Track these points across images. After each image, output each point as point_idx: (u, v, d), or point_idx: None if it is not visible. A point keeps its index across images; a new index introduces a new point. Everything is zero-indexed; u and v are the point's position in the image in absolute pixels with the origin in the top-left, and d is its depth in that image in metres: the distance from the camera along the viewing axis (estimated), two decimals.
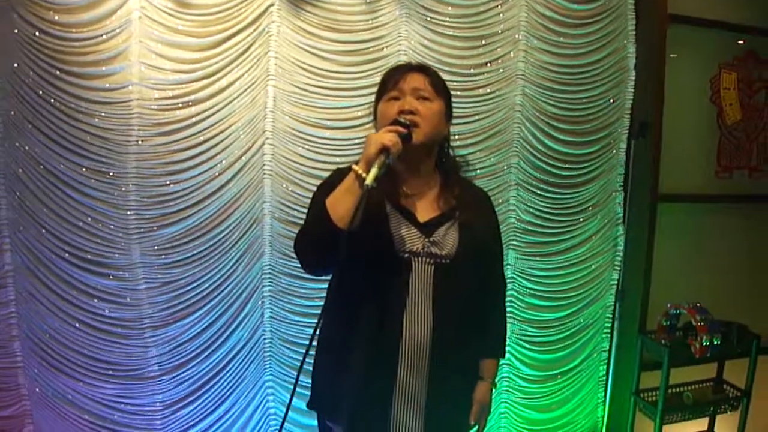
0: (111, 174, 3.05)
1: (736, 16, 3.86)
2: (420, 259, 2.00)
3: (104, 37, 2.98)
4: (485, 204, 2.26)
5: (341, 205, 1.82)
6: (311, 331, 3.27)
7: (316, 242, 1.89)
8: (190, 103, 3.12)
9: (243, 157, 3.23)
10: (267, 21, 3.21)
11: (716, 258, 3.99)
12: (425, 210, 2.06)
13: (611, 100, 3.73)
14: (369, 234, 1.90)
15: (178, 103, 3.10)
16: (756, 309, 4.06)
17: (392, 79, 2.06)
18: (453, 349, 2.02)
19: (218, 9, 3.12)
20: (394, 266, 1.98)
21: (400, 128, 1.90)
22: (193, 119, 3.13)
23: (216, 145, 3.18)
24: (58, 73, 2.93)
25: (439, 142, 2.11)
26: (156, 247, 3.16)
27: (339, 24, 3.29)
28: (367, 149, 1.81)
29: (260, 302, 3.37)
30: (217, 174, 3.20)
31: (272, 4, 3.21)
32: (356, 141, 3.33)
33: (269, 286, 3.37)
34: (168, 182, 3.14)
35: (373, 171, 1.78)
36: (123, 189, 3.07)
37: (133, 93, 3.03)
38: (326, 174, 3.17)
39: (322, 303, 3.24)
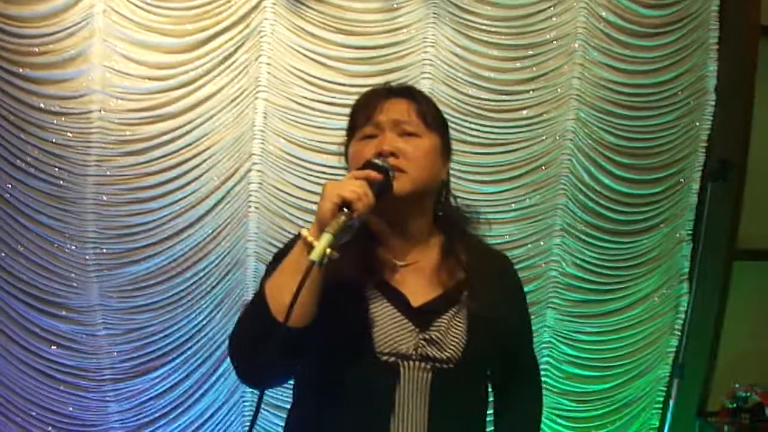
0: (67, 199, 2.64)
1: None
2: (412, 363, 1.43)
3: (60, 34, 2.59)
4: (505, 276, 1.66)
5: (284, 290, 1.28)
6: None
7: (250, 341, 1.35)
8: (163, 118, 2.67)
9: (224, 185, 2.75)
10: (259, 18, 2.74)
11: None
12: (420, 288, 1.50)
13: (685, 130, 3.06)
14: (338, 327, 1.38)
15: (147, 117, 2.66)
16: None
17: (365, 110, 1.52)
18: None
19: (199, 2, 2.70)
20: (373, 374, 1.43)
21: (372, 173, 1.35)
22: (165, 137, 2.68)
23: (192, 169, 2.71)
24: (6, 76, 2.53)
25: (434, 190, 1.57)
26: (117, 289, 2.73)
27: (348, 24, 2.77)
28: (320, 205, 1.31)
29: None
30: (192, 204, 2.73)
31: None
32: None
33: None
34: (133, 212, 2.69)
35: (323, 240, 1.24)
36: (80, 218, 2.66)
37: (93, 103, 2.61)
38: None
39: None
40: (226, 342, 2.71)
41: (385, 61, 2.77)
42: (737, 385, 3.06)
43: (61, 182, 2.63)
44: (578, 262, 3.10)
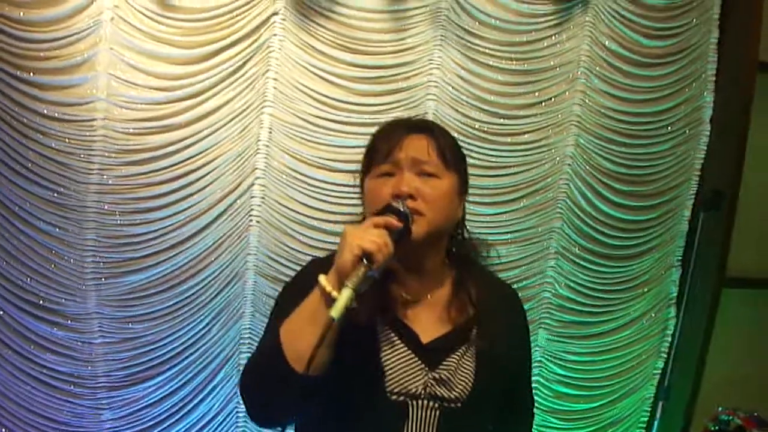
0: (67, 206, 2.55)
1: None
2: (420, 402, 1.41)
3: (66, 40, 2.48)
4: (512, 312, 1.63)
5: (300, 339, 1.25)
6: None
7: (264, 386, 1.32)
8: (167, 129, 2.59)
9: (227, 199, 2.69)
10: (268, 33, 2.66)
11: None
12: (430, 324, 1.47)
13: (680, 159, 3.09)
14: (350, 367, 1.35)
15: (152, 128, 2.58)
16: None
17: (384, 146, 1.46)
18: None
19: (209, 15, 2.59)
20: (383, 414, 1.40)
21: (392, 221, 1.32)
22: (170, 148, 2.60)
23: (195, 181, 2.65)
24: (9, 80, 2.43)
25: (451, 229, 1.53)
26: (115, 297, 2.65)
27: (357, 43, 2.70)
28: (340, 254, 1.27)
29: (237, 369, 2.82)
30: (194, 216, 2.66)
31: (276, 13, 2.64)
32: None
33: (248, 352, 2.79)
34: (134, 222, 2.62)
35: (344, 296, 1.21)
36: (80, 226, 2.57)
37: (98, 111, 2.52)
38: (328, 226, 2.70)
39: None
40: (221, 355, 2.75)
41: (392, 81, 2.73)
42: (720, 409, 3.03)
43: (62, 189, 2.53)
44: (571, 284, 3.10)
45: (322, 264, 1.45)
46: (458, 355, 1.43)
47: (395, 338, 1.42)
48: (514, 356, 1.57)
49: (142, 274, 2.64)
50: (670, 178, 3.10)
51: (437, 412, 1.41)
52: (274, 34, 2.62)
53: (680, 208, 3.14)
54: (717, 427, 3.03)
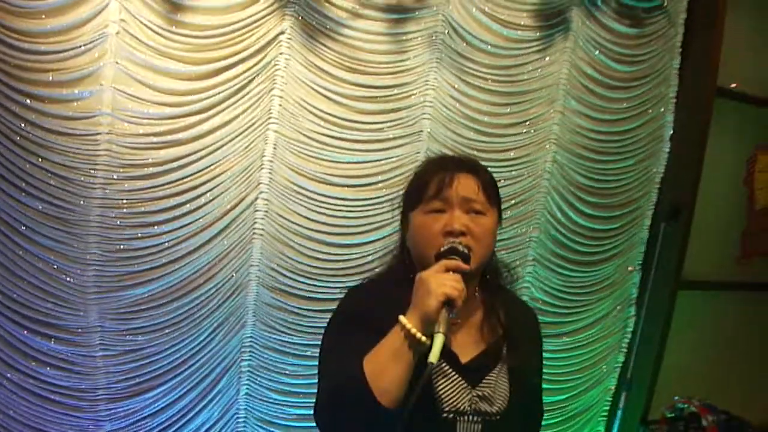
0: (70, 221, 2.44)
1: None
2: (467, 417, 1.52)
3: (71, 52, 2.36)
4: (534, 330, 1.77)
5: (385, 375, 1.34)
6: (291, 411, 2.82)
7: (350, 419, 1.39)
8: (172, 144, 2.52)
9: (231, 212, 2.65)
10: (275, 52, 2.62)
11: (732, 348, 3.66)
12: (467, 345, 1.58)
13: (642, 173, 3.31)
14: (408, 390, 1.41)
15: (157, 143, 2.50)
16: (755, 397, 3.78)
17: (435, 182, 1.53)
18: None
19: (217, 32, 2.52)
20: (435, 430, 1.50)
21: (462, 264, 1.41)
22: (174, 164, 2.54)
23: (200, 196, 2.59)
24: (10, 93, 2.31)
25: (490, 260, 1.63)
26: (117, 311, 2.56)
27: (359, 64, 2.72)
28: (424, 300, 1.34)
29: (237, 378, 2.80)
30: (198, 230, 2.61)
31: (282, 32, 2.60)
32: (368, 202, 2.80)
33: (249, 360, 2.79)
34: (138, 236, 2.54)
35: (438, 342, 1.30)
36: (83, 240, 2.47)
37: (102, 125, 2.42)
38: (327, 238, 2.76)
39: (307, 381, 2.78)
40: (222, 364, 2.76)
41: (391, 100, 2.76)
42: (676, 398, 3.31)
43: (65, 204, 2.41)
44: (546, 288, 3.26)
45: (369, 294, 1.60)
46: (495, 373, 1.56)
47: (442, 361, 1.51)
48: (537, 370, 1.73)
49: (145, 287, 2.56)
50: (634, 191, 3.30)
51: (480, 425, 1.52)
52: (281, 53, 2.59)
53: (642, 217, 3.37)
54: (673, 414, 3.32)
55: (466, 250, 1.45)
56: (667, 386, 3.43)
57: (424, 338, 1.33)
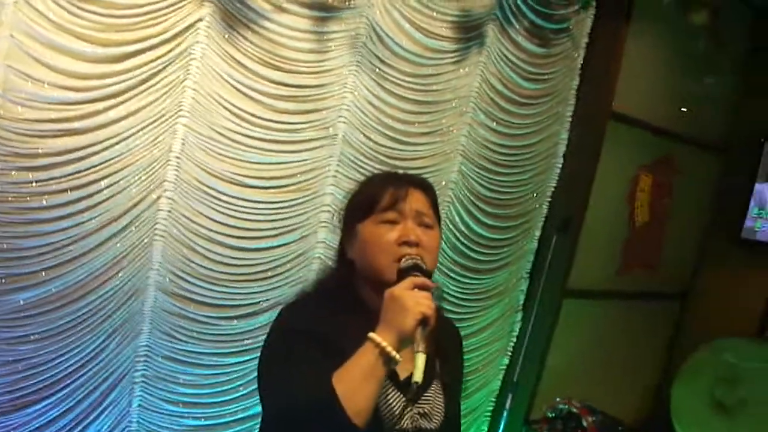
0: None
1: (665, 121, 3.72)
2: None
3: None
4: (459, 346, 1.83)
5: (360, 395, 1.32)
6: (186, 422, 2.67)
7: None
8: (70, 133, 2.25)
9: (131, 211, 2.42)
10: (191, 40, 2.41)
11: (609, 352, 3.89)
12: (404, 362, 1.50)
13: (536, 187, 3.43)
14: None
15: (53, 130, 2.22)
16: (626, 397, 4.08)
17: (388, 195, 1.55)
18: None
19: (129, 12, 2.27)
20: None
21: (429, 282, 1.43)
22: (70, 155, 2.26)
23: (97, 192, 2.34)
24: None
25: None
26: (2, 317, 2.28)
27: (279, 60, 2.56)
28: (400, 318, 1.35)
29: (130, 389, 2.59)
30: (93, 230, 2.35)
31: (201, 19, 2.40)
32: (279, 205, 2.68)
33: (143, 370, 2.58)
34: (26, 234, 2.25)
35: (420, 362, 1.32)
36: None
37: None
38: (234, 242, 2.63)
39: (203, 391, 2.64)
40: (115, 374, 2.58)
41: (309, 101, 2.64)
42: (558, 399, 3.43)
43: None
44: (444, 295, 3.16)
45: (310, 310, 1.56)
46: (433, 390, 1.59)
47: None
48: (460, 388, 1.79)
49: (32, 291, 2.28)
50: (528, 203, 3.42)
51: None
52: (197, 41, 2.38)
53: (532, 228, 3.49)
54: (554, 414, 3.43)
55: (424, 266, 1.45)
56: (551, 388, 3.58)
57: (398, 356, 1.33)
